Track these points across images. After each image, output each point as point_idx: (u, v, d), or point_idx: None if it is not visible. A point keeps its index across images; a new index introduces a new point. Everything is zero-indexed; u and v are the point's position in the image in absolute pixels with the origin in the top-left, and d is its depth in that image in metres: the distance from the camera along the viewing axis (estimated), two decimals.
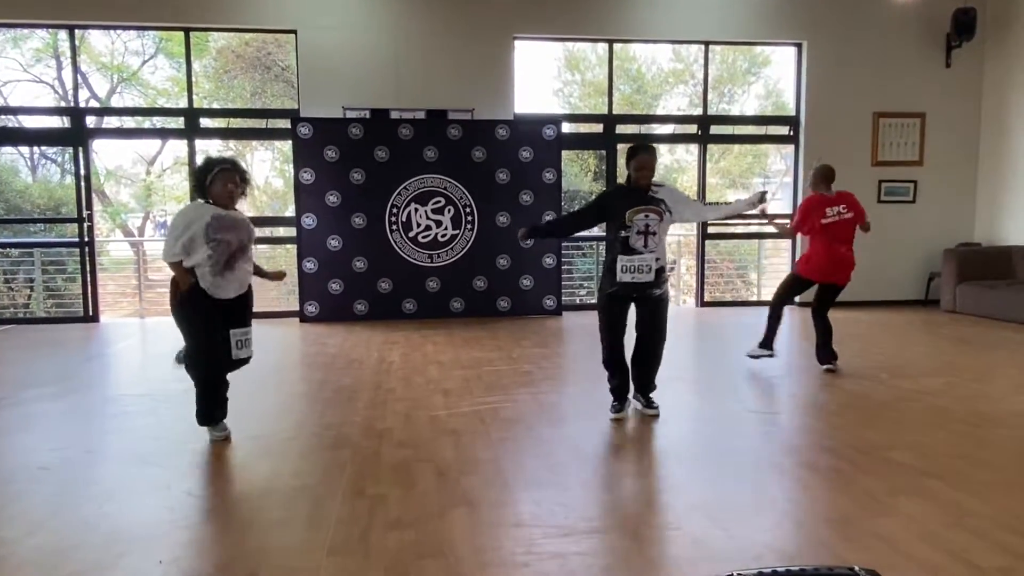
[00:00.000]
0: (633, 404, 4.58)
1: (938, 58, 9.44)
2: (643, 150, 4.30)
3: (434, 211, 8.45)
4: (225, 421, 4.06)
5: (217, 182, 3.83)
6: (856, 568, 2.17)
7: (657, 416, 4.43)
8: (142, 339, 7.70)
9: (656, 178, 4.40)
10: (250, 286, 4.06)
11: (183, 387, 5.14)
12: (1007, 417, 4.40)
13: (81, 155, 8.49)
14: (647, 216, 4.24)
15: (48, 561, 2.63)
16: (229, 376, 4.07)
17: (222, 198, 3.86)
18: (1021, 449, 3.81)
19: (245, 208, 4.42)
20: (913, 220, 9.58)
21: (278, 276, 4.39)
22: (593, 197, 4.63)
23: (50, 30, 10.25)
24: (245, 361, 4.07)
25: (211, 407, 3.99)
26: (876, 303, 9.57)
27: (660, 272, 4.34)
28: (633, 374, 4.54)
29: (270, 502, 3.17)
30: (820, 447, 3.84)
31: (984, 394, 4.97)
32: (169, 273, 3.96)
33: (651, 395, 4.53)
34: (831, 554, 2.62)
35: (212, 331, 3.89)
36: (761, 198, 4.47)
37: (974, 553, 2.62)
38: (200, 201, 3.93)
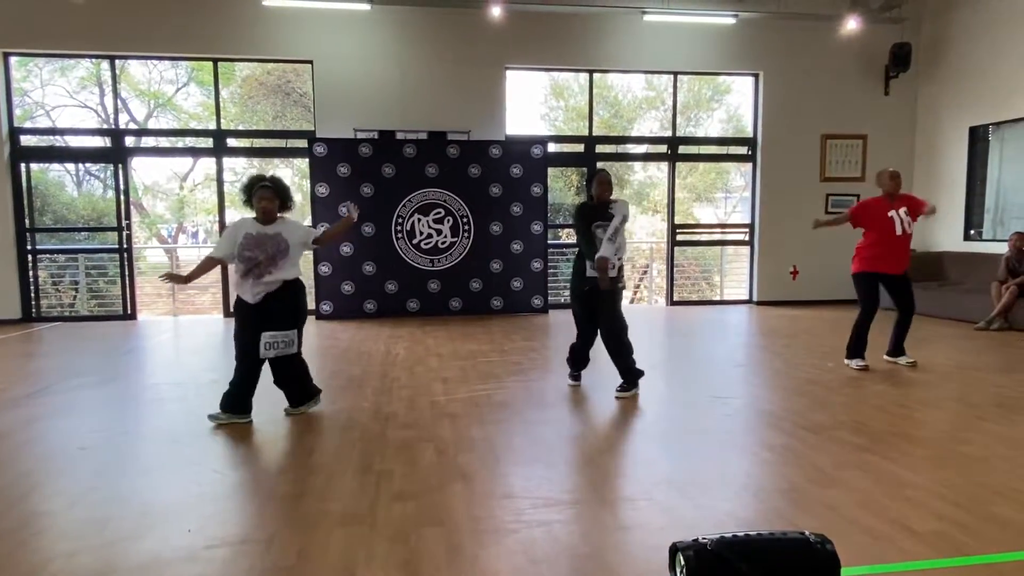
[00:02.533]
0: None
1: (878, 87, 9.49)
2: (603, 172, 4.62)
3: (435, 221, 8.42)
4: (229, 415, 3.99)
5: (254, 199, 3.94)
6: (807, 533, 2.18)
7: (629, 396, 4.52)
8: (175, 335, 7.63)
9: (621, 195, 4.55)
10: (283, 291, 3.94)
11: (211, 377, 5.13)
12: (938, 401, 4.41)
13: (120, 171, 8.43)
14: (605, 229, 4.46)
15: (85, 531, 2.59)
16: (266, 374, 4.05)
17: (258, 213, 3.96)
18: (950, 429, 3.82)
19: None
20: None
21: (348, 221, 4.19)
22: (577, 217, 4.66)
23: (93, 61, 10.13)
24: (282, 360, 3.98)
25: (236, 399, 3.96)
26: (824, 302, 9.60)
27: (620, 269, 4.55)
28: (615, 362, 4.64)
29: (288, 477, 3.14)
30: (774, 427, 3.83)
31: (918, 381, 4.98)
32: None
33: (628, 383, 4.59)
34: (784, 521, 2.61)
35: (243, 332, 3.95)
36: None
37: (911, 519, 2.62)
38: (245, 217, 4.05)
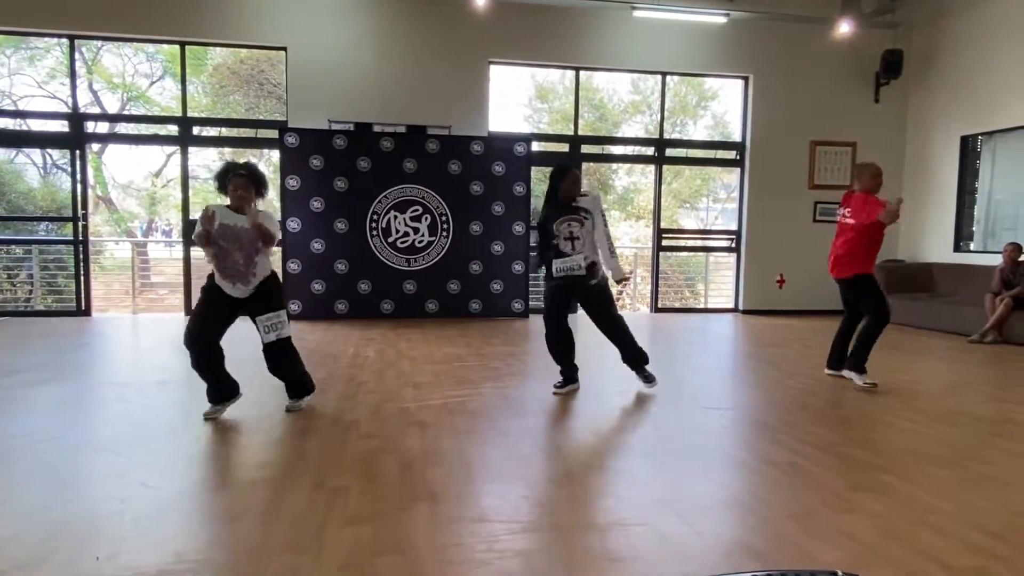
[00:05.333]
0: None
1: (868, 93, 9.29)
2: (571, 169, 4.42)
3: (412, 219, 8.01)
4: (222, 405, 3.84)
5: (229, 186, 3.73)
6: (840, 573, 1.81)
7: (654, 384, 4.55)
8: (130, 333, 7.11)
9: (605, 200, 4.38)
10: (266, 279, 3.81)
11: (159, 377, 4.66)
12: (944, 415, 4.10)
13: (79, 158, 7.91)
14: (570, 224, 4.34)
15: None
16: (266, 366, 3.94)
17: (232, 201, 3.75)
18: (966, 447, 3.50)
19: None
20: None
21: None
22: (540, 218, 4.56)
23: (63, 50, 9.57)
24: (278, 345, 3.82)
25: (208, 385, 3.81)
26: (811, 312, 9.35)
27: (592, 266, 4.38)
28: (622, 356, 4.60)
29: (227, 494, 2.71)
30: (776, 443, 3.48)
31: (920, 394, 4.68)
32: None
33: (646, 369, 4.58)
34: (801, 551, 2.25)
35: (205, 318, 3.73)
36: (622, 278, 4.57)
37: (943, 552, 2.27)
38: (220, 204, 3.80)
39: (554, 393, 4.44)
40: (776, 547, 2.30)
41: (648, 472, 3.09)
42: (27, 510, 2.53)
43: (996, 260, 7.38)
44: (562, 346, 4.49)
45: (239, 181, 3.70)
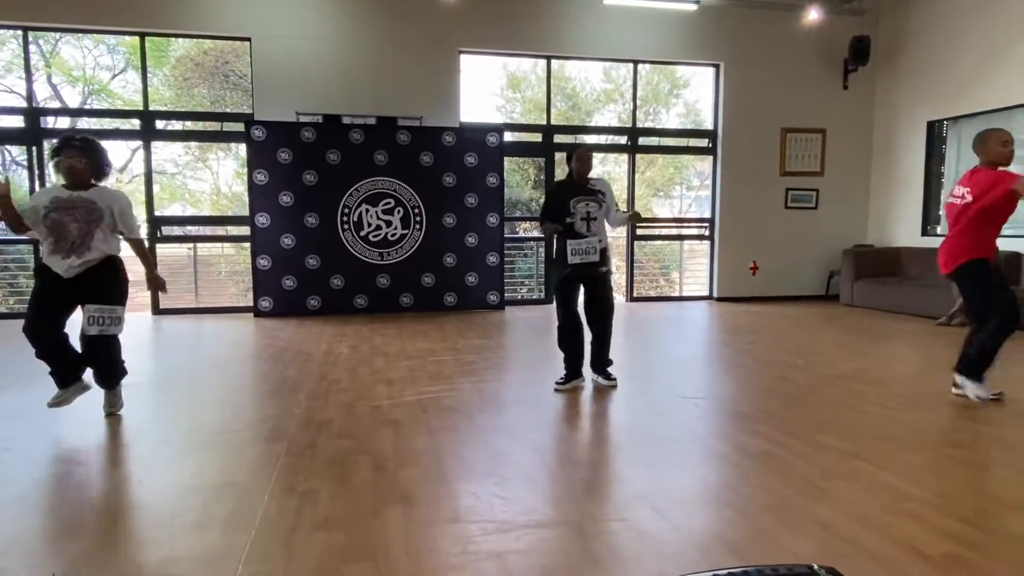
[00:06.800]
0: (594, 381, 4.51)
1: (837, 81, 9.35)
2: (584, 147, 4.41)
3: (384, 212, 7.89)
4: (68, 390, 3.72)
5: (60, 158, 3.50)
6: (815, 567, 1.78)
7: (615, 387, 4.40)
8: None
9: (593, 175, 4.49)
10: (103, 262, 3.55)
11: (128, 379, 4.51)
12: (919, 400, 4.13)
13: (35, 154, 7.63)
14: (587, 204, 4.31)
15: None
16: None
17: (64, 175, 3.53)
18: (939, 431, 3.52)
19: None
20: (815, 224, 9.48)
21: (152, 282, 3.87)
22: (544, 196, 4.69)
23: (19, 43, 9.22)
24: (100, 341, 3.59)
25: (52, 369, 3.66)
26: (784, 298, 9.44)
27: (604, 252, 4.36)
28: (592, 350, 4.49)
29: (190, 503, 2.61)
30: (750, 431, 3.47)
31: (892, 378, 4.72)
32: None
33: (608, 369, 4.50)
34: (776, 543, 2.23)
35: (42, 305, 3.52)
36: (634, 216, 4.48)
37: (918, 540, 2.26)
38: (50, 184, 3.56)
39: (556, 390, 4.29)
40: (753, 541, 2.27)
41: (624, 465, 3.06)
42: None
43: None
44: (577, 338, 4.39)
45: (70, 152, 3.48)
